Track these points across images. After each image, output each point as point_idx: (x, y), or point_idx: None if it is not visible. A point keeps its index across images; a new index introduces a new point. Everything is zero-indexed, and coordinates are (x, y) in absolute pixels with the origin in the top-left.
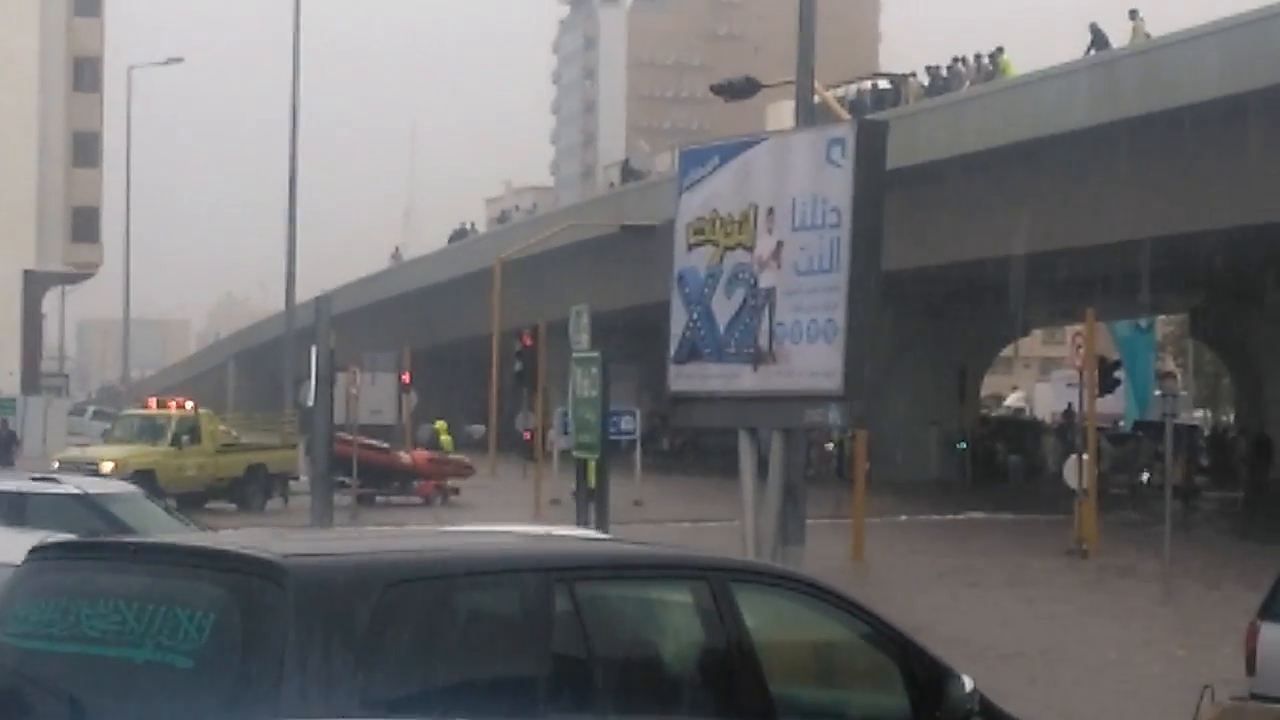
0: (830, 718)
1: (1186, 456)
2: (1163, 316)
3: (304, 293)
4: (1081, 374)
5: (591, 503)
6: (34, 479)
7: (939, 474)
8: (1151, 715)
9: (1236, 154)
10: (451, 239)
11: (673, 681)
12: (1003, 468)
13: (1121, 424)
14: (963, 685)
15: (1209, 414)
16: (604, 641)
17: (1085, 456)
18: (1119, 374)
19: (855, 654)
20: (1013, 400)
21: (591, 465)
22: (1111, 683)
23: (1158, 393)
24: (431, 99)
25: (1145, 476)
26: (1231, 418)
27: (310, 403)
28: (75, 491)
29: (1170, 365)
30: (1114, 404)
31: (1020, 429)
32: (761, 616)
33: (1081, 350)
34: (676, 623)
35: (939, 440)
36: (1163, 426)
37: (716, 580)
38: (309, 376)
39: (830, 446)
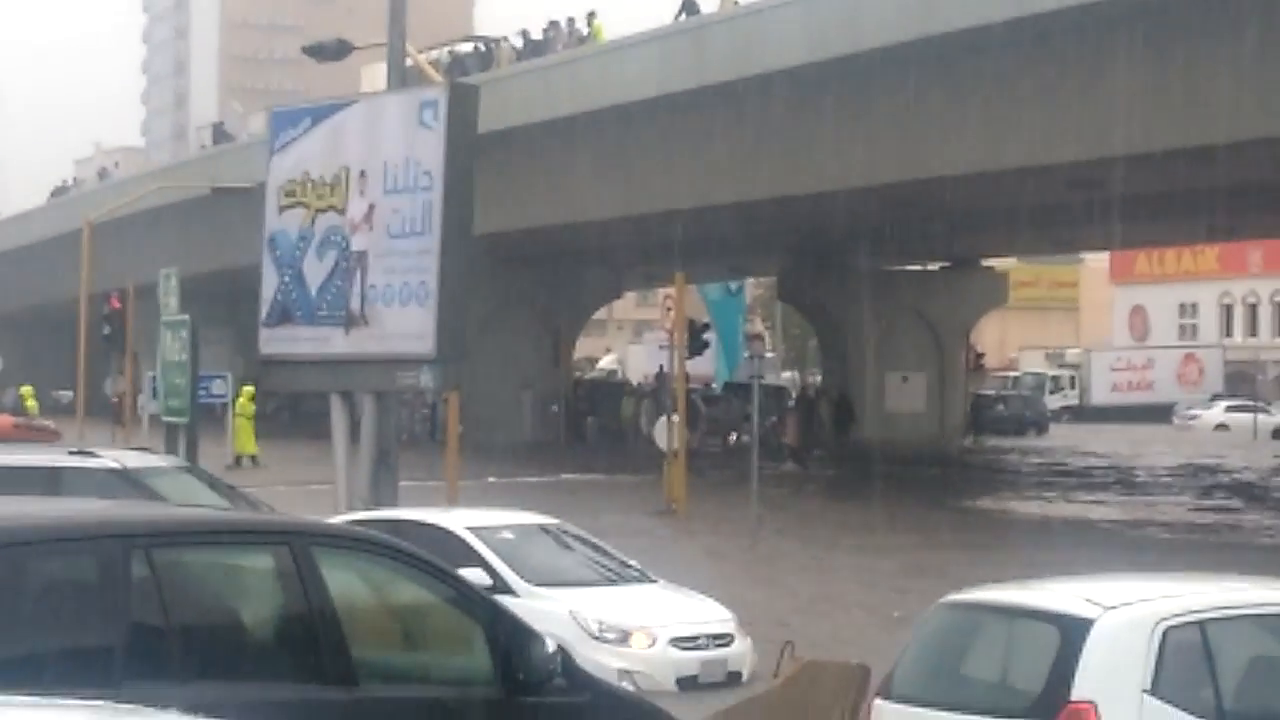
0: (414, 681)
1: (799, 417)
2: (752, 280)
3: None
4: (672, 336)
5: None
6: (70, 453)
7: (534, 437)
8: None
9: (819, 121)
10: (54, 195)
11: (253, 647)
12: (596, 430)
13: (713, 385)
14: (545, 646)
15: (796, 375)
16: (183, 608)
17: (675, 417)
18: (708, 336)
19: (440, 617)
20: (606, 362)
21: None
22: None
23: (746, 354)
24: (14, 55)
25: (735, 436)
26: (818, 379)
27: None
28: (113, 466)
29: (759, 327)
30: (705, 366)
31: (611, 391)
32: (346, 581)
33: (672, 313)
34: (258, 588)
35: (533, 403)
36: (751, 387)
37: (298, 545)
38: None
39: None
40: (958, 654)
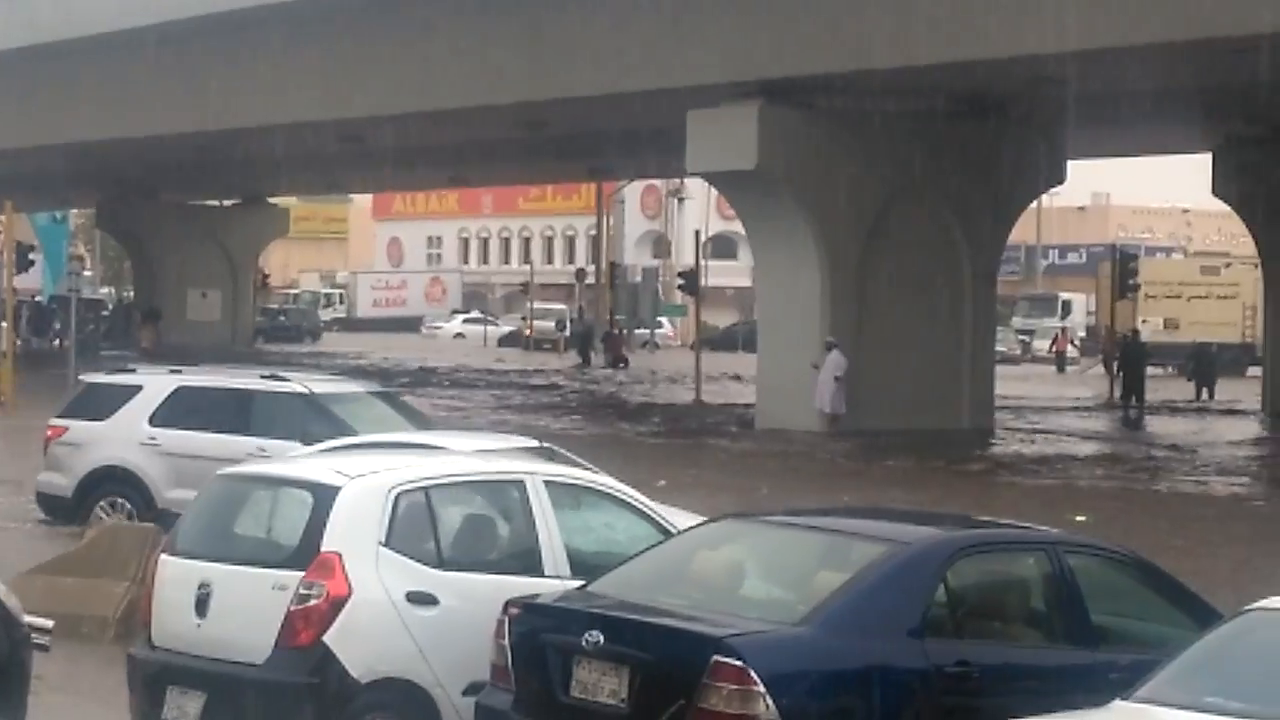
0: None
1: (153, 328)
2: (75, 210)
3: None
4: (2, 255)
5: None
6: (262, 376)
7: None
8: None
9: (134, 78)
10: None
11: None
12: None
13: (39, 297)
14: None
15: (114, 290)
16: None
17: (5, 324)
18: (35, 256)
19: None
20: None
21: None
22: None
23: (68, 272)
24: None
25: (58, 341)
26: (132, 293)
27: None
28: (299, 390)
29: (81, 250)
30: (33, 281)
31: None
32: None
33: (3, 236)
34: None
35: None
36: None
37: None
38: None
39: None
40: (230, 517)
